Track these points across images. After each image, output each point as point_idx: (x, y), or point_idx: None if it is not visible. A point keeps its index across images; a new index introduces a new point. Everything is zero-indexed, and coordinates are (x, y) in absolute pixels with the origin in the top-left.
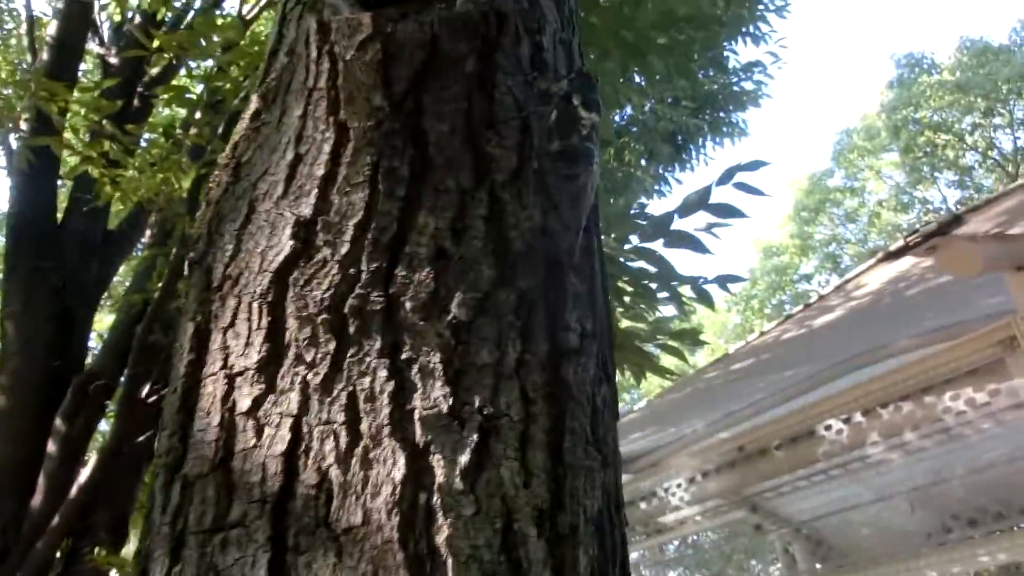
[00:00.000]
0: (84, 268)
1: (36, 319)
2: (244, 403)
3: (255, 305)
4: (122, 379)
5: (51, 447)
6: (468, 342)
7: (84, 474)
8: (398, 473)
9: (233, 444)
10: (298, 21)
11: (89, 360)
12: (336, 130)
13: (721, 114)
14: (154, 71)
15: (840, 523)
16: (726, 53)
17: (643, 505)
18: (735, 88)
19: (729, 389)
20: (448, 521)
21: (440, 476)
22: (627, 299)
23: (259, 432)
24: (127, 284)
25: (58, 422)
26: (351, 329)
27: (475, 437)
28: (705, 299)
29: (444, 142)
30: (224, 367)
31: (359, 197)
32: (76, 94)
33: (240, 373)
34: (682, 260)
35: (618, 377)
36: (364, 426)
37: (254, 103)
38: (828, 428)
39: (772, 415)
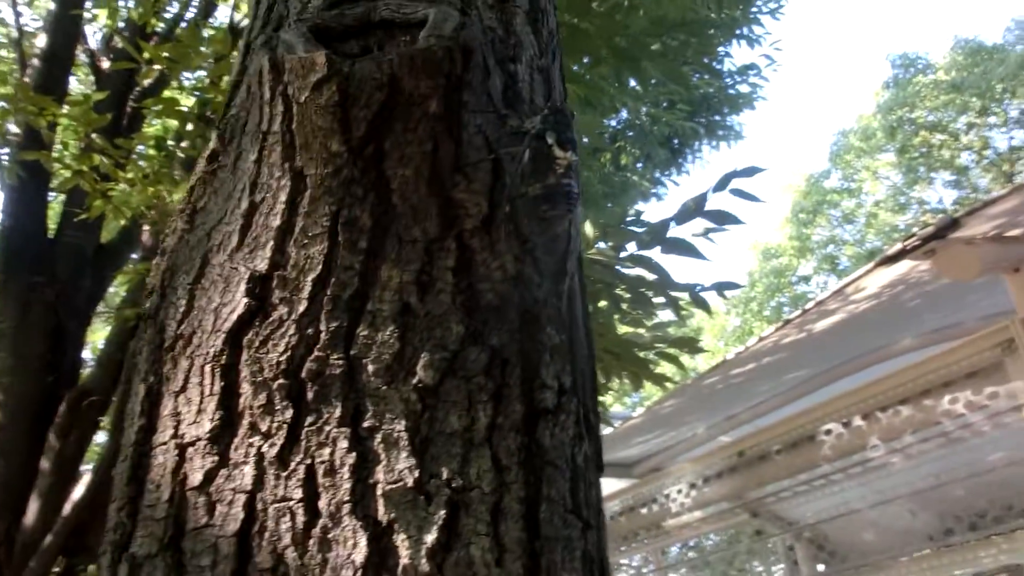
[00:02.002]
0: (77, 282)
1: (29, 334)
2: (196, 477)
3: (208, 368)
4: (116, 395)
5: (44, 464)
6: (435, 407)
7: (78, 491)
8: (359, 555)
9: (184, 522)
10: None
11: (83, 375)
12: (292, 177)
13: (716, 117)
14: (146, 82)
15: (842, 526)
16: (721, 55)
17: (644, 511)
18: (730, 91)
19: (729, 393)
20: None
21: (405, 558)
22: (624, 306)
23: (211, 509)
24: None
25: (51, 438)
26: (309, 395)
27: (443, 513)
28: (702, 305)
29: (408, 189)
30: (175, 436)
31: (317, 250)
32: (66, 108)
33: (191, 443)
34: (680, 263)
35: (616, 383)
36: (323, 503)
37: (212, 142)
38: (828, 432)
39: (772, 419)
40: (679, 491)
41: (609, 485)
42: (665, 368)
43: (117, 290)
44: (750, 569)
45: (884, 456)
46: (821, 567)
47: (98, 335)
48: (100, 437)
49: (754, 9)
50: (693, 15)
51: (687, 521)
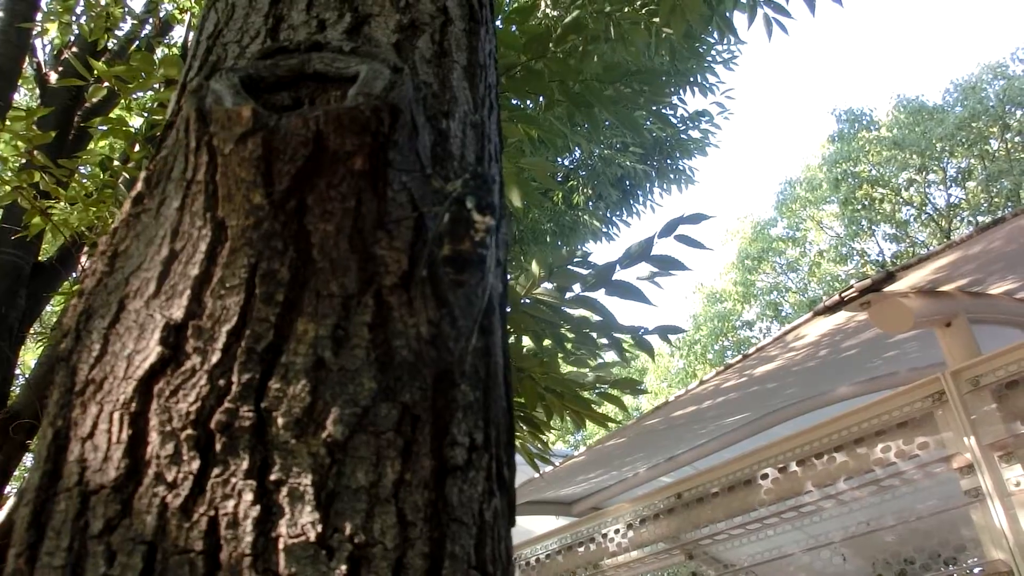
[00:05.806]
0: (10, 301)
1: None
2: (97, 525)
3: (116, 415)
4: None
5: None
6: (343, 462)
7: (1, 515)
8: None
9: (83, 571)
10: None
11: (13, 396)
12: (213, 228)
13: (668, 161)
14: (94, 99)
15: (775, 570)
16: (674, 101)
17: (581, 549)
18: (682, 136)
19: (670, 435)
20: None
21: None
22: (569, 346)
23: (110, 559)
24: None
25: None
26: (217, 446)
27: (344, 568)
28: (645, 349)
29: (328, 243)
30: (79, 483)
31: (234, 301)
32: (8, 122)
33: (95, 491)
34: (625, 305)
35: (558, 422)
36: (224, 555)
37: (139, 184)
38: (765, 476)
39: (710, 463)
40: (617, 531)
41: (548, 523)
42: (608, 409)
43: (54, 309)
44: None
45: (818, 501)
46: None
47: (31, 356)
48: (28, 460)
49: (708, 58)
50: (647, 63)
51: (624, 561)
